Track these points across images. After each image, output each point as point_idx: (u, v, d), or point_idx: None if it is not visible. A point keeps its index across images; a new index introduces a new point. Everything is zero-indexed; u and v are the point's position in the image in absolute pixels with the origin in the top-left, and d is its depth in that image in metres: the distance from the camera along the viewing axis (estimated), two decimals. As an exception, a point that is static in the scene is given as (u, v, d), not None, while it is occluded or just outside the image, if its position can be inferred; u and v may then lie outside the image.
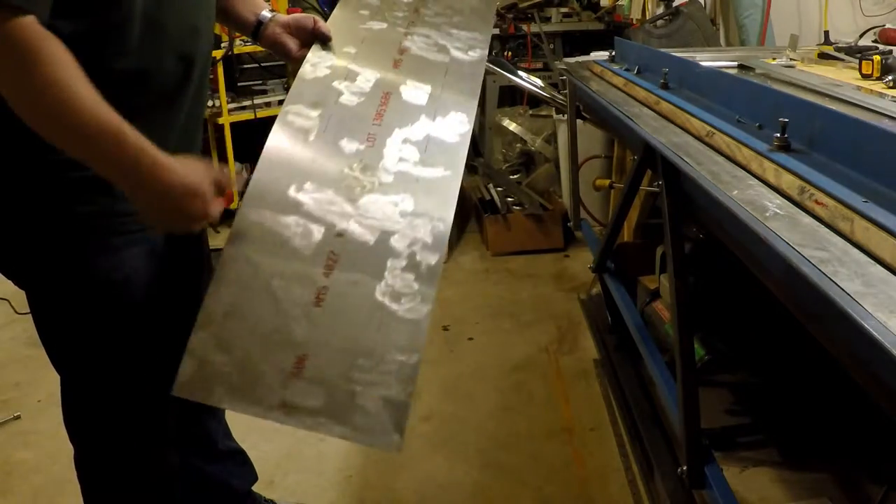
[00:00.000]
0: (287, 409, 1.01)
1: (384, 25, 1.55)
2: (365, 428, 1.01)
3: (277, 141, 1.24)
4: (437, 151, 1.30)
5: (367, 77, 1.39)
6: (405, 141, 1.30)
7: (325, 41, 1.42)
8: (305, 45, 1.43)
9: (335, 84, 1.36)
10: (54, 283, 1.26)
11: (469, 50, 1.54)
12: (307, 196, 1.18)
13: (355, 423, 1.01)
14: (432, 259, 1.15)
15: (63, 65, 1.00)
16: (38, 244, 1.22)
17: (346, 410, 1.02)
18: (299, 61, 1.40)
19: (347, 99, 1.34)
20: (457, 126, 1.35)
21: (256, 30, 1.46)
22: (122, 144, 1.03)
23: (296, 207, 1.17)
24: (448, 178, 1.27)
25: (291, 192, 1.18)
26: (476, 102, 1.43)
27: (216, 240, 1.58)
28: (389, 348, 1.07)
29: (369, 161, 1.25)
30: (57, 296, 1.27)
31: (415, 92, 1.40)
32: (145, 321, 1.30)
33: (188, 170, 1.10)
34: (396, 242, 1.16)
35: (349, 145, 1.26)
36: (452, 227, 1.21)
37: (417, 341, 1.09)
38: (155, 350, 1.30)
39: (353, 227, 1.17)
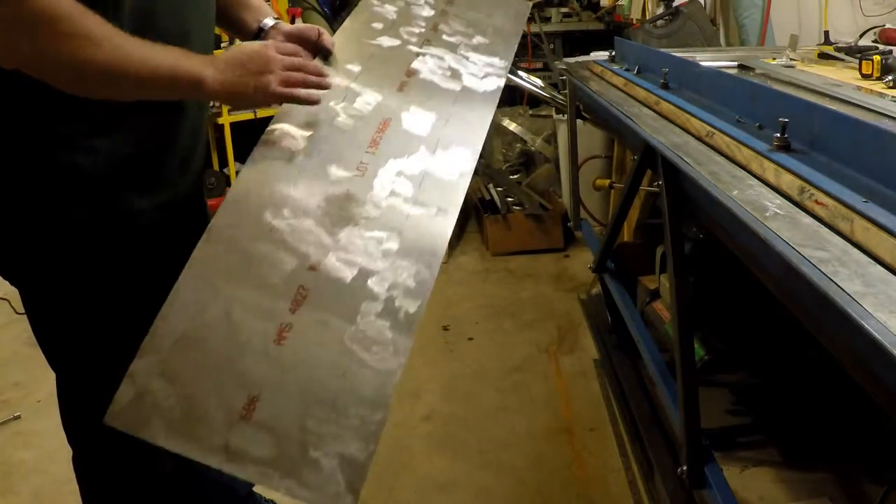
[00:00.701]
0: (230, 454, 0.92)
1: (396, 42, 1.45)
2: (314, 485, 0.91)
3: (259, 161, 1.17)
4: (433, 189, 1.19)
5: (368, 99, 1.30)
6: (399, 174, 1.20)
7: (326, 55, 1.36)
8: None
9: (332, 104, 1.27)
10: (48, 283, 1.25)
11: (484, 78, 1.43)
12: (284, 223, 1.10)
13: (304, 479, 0.91)
14: (412, 306, 1.05)
15: (107, 29, 1.05)
16: (32, 244, 1.22)
17: (295, 464, 0.92)
18: None
19: (343, 121, 1.25)
20: (458, 163, 1.25)
21: (256, 36, 1.41)
22: (184, 54, 1.11)
23: (269, 234, 1.08)
24: (441, 219, 1.16)
25: (267, 216, 1.10)
26: (483, 138, 1.32)
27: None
28: (352, 400, 0.97)
29: (356, 192, 1.16)
30: (51, 296, 1.27)
31: (417, 120, 1.30)
32: (141, 323, 1.29)
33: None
34: (375, 284, 1.07)
35: (337, 172, 1.18)
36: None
37: (384, 396, 0.99)
38: None
39: (329, 262, 1.07)
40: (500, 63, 1.48)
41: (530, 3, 1.82)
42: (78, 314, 1.27)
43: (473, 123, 1.33)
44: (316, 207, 1.13)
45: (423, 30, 1.50)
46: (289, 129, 1.22)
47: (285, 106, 1.26)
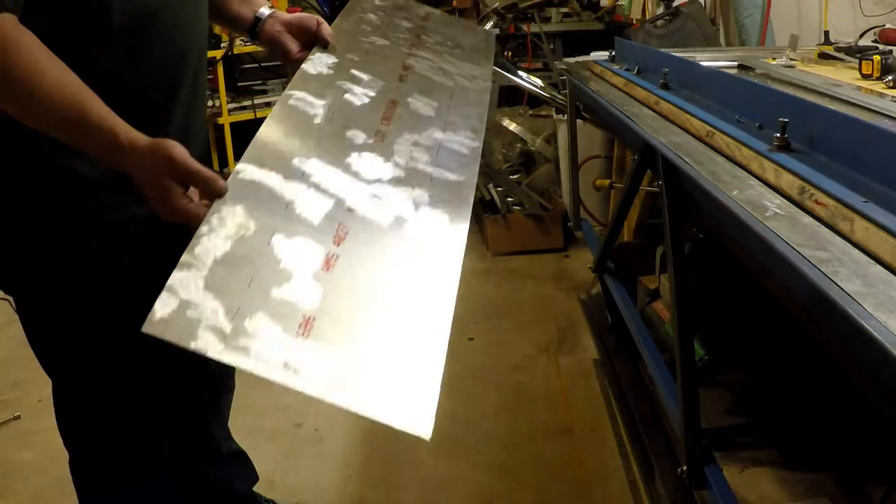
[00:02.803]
0: (290, 370, 0.84)
1: (387, 42, 1.49)
2: (385, 405, 0.85)
3: (280, 117, 1.16)
4: (449, 159, 1.22)
5: (372, 84, 1.33)
6: (415, 144, 1.22)
7: (326, 45, 1.37)
8: (306, 48, 1.38)
9: (339, 82, 1.30)
10: (42, 289, 1.24)
11: (472, 80, 1.49)
12: (314, 168, 1.08)
13: (373, 399, 0.85)
14: (453, 248, 1.06)
15: (37, 52, 1.01)
16: (26, 250, 1.21)
17: (362, 384, 0.86)
18: (298, 63, 1.34)
19: (353, 98, 1.27)
20: (467, 141, 1.28)
21: (254, 27, 1.41)
22: (84, 123, 1.02)
23: (301, 176, 1.06)
24: (462, 182, 1.18)
25: (296, 163, 1.08)
26: (484, 125, 1.35)
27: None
28: (414, 323, 0.94)
29: (379, 153, 1.17)
30: (45, 303, 1.26)
31: (422, 105, 1.33)
32: (135, 328, 1.28)
33: (145, 159, 1.03)
34: (412, 229, 1.07)
35: (357, 136, 1.18)
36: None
37: (446, 312, 0.96)
38: (147, 355, 1.29)
39: (365, 206, 1.06)
40: (483, 72, 1.55)
41: (496, 32, 1.92)
42: (72, 321, 1.26)
43: (473, 113, 1.37)
44: (342, 162, 1.12)
45: (407, 36, 1.56)
46: (305, 96, 1.22)
47: (297, 78, 1.27)
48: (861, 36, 2.29)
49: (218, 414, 1.69)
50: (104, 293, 1.24)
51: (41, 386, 2.58)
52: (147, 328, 0.83)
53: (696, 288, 1.68)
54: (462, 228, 1.10)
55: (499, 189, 3.82)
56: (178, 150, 1.02)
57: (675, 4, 3.34)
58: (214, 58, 3.93)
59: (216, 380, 1.63)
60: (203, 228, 0.94)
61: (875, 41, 2.17)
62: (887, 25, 2.23)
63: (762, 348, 2.14)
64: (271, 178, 1.04)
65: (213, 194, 1.00)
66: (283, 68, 4.34)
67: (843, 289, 0.85)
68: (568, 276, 3.46)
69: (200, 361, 1.53)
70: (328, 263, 0.96)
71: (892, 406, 0.81)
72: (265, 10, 1.41)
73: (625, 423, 2.24)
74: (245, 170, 1.04)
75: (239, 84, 4.47)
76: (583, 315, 2.94)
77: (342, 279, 0.95)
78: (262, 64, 4.42)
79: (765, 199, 1.14)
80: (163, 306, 0.85)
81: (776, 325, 1.96)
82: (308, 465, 2.19)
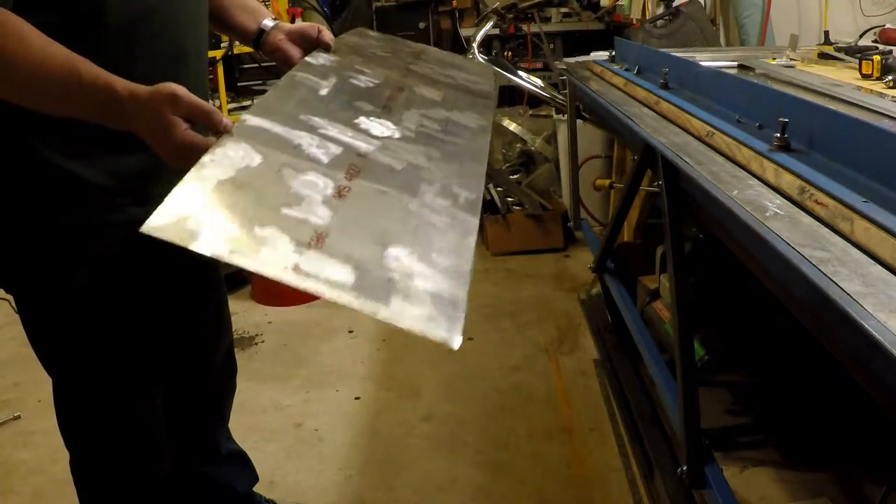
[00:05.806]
0: (302, 274, 0.78)
1: (389, 54, 1.53)
2: (406, 314, 0.78)
3: (286, 87, 1.16)
4: (458, 130, 1.22)
5: (376, 76, 1.34)
6: (423, 116, 1.21)
7: (328, 49, 1.39)
8: (308, 55, 1.39)
9: (343, 72, 1.31)
10: (42, 290, 1.25)
11: (474, 84, 1.50)
12: (323, 122, 1.06)
13: (394, 307, 0.78)
14: (470, 194, 1.01)
15: (22, 26, 1.01)
16: (26, 251, 1.22)
17: (381, 291, 0.79)
18: None
19: (357, 82, 1.28)
20: (475, 119, 1.29)
21: (258, 38, 1.43)
22: (78, 84, 1.01)
23: (309, 127, 1.03)
24: (473, 146, 1.17)
25: (303, 118, 1.05)
26: (492, 113, 1.35)
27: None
28: (432, 249, 0.88)
29: (388, 119, 1.15)
30: (45, 303, 1.26)
31: (428, 92, 1.34)
32: (134, 328, 1.29)
33: (147, 103, 1.01)
34: (426, 175, 1.02)
35: (364, 106, 1.17)
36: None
37: (466, 249, 0.90)
38: (146, 357, 1.30)
39: (377, 155, 1.03)
40: (486, 80, 1.57)
41: (493, 66, 1.98)
42: (71, 321, 1.26)
43: (479, 101, 1.39)
44: (350, 122, 1.10)
45: (407, 55, 1.61)
46: (309, 75, 1.23)
47: (302, 64, 1.28)
48: (861, 36, 2.29)
49: (219, 415, 1.69)
50: (103, 294, 1.24)
51: (41, 386, 2.59)
52: (146, 230, 0.77)
53: (696, 288, 1.68)
54: (478, 178, 1.07)
55: (499, 189, 3.82)
56: (181, 89, 1.01)
57: (675, 4, 3.34)
58: (214, 58, 3.92)
59: (218, 381, 1.63)
60: (206, 157, 0.89)
61: (875, 41, 2.17)
62: (887, 25, 2.23)
63: (762, 348, 2.13)
64: (277, 128, 1.00)
65: (218, 129, 0.98)
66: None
67: (843, 289, 0.85)
68: (568, 276, 3.46)
69: (201, 362, 1.53)
70: (340, 193, 0.91)
71: (893, 406, 0.81)
72: (269, 22, 1.42)
73: (625, 423, 2.24)
74: (250, 119, 1.01)
75: (239, 84, 4.47)
76: (583, 315, 2.94)
77: (356, 206, 0.90)
78: (262, 64, 4.41)
79: (765, 199, 1.14)
80: (163, 213, 0.79)
81: (776, 325, 1.97)
82: (308, 465, 2.19)
